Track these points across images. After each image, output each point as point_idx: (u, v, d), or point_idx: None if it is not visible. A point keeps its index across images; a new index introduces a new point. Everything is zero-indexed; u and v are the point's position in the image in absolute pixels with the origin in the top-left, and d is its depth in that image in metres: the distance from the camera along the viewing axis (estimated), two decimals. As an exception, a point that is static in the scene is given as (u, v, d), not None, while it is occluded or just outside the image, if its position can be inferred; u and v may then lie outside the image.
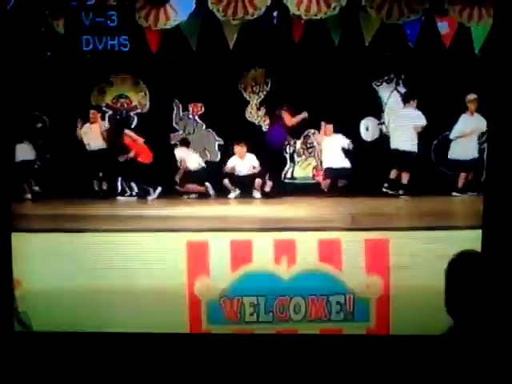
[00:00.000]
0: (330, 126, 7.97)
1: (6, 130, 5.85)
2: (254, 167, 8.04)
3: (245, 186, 7.82)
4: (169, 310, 5.39)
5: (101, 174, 7.99)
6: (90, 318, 5.42)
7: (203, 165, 8.05)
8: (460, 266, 2.39)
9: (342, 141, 8.00)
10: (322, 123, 8.06)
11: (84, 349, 5.22)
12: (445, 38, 7.30)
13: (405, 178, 7.89)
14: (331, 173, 8.24)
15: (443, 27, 7.27)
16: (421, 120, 7.85)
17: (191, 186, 7.94)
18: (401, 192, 7.80)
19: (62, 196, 7.52)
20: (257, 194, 7.98)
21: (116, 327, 5.39)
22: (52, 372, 5.10)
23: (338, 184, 8.05)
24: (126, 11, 6.86)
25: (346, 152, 7.96)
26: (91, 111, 8.06)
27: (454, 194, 7.62)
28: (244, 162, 8.08)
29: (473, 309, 2.33)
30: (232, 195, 7.97)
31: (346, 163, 7.96)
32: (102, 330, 5.38)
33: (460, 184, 7.70)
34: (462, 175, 7.73)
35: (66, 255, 5.53)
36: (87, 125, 7.99)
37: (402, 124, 7.93)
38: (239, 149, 8.04)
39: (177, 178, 8.06)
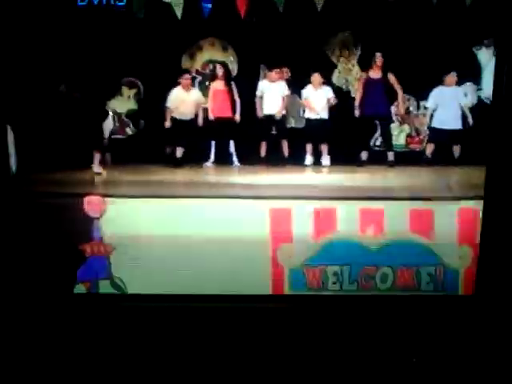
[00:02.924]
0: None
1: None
2: (328, 100, 7.77)
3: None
4: (251, 276, 5.38)
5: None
6: (178, 281, 5.48)
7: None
8: None
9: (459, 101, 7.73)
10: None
11: (170, 311, 5.31)
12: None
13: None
14: (429, 139, 8.00)
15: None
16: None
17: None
18: None
19: (150, 162, 7.68)
20: (326, 161, 7.80)
21: (202, 291, 5.43)
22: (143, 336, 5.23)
23: (435, 152, 7.80)
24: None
25: (448, 118, 7.71)
26: (185, 76, 8.10)
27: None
28: (318, 93, 7.79)
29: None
30: (309, 161, 7.86)
31: (447, 129, 7.73)
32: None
33: None
34: None
35: (156, 220, 5.61)
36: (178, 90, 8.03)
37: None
38: (316, 77, 7.75)
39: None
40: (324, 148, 7.82)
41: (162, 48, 8.49)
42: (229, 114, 7.95)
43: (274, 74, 7.88)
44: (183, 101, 7.83)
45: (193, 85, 8.05)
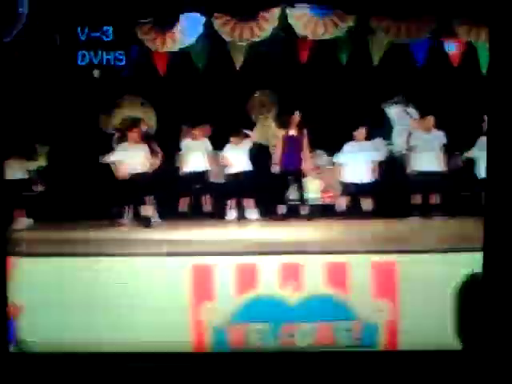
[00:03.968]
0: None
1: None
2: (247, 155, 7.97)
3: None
4: (174, 335, 5.28)
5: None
6: (92, 341, 5.31)
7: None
8: (468, 290, 2.31)
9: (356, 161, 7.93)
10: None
11: (85, 371, 5.13)
12: (452, 58, 7.26)
13: (434, 198, 7.76)
14: (341, 193, 8.22)
15: (451, 48, 7.24)
16: (443, 139, 7.76)
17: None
18: (435, 213, 7.68)
19: (64, 220, 7.50)
20: (252, 215, 7.92)
21: (119, 350, 5.28)
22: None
23: (347, 206, 8.00)
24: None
25: (358, 172, 7.94)
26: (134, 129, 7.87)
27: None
28: (238, 149, 7.99)
29: (481, 332, 2.24)
30: (232, 216, 7.92)
31: (357, 183, 7.93)
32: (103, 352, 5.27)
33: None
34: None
35: (68, 280, 5.44)
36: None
37: (422, 145, 7.83)
38: (235, 139, 7.95)
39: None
40: (249, 202, 8.11)
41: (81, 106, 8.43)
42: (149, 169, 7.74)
43: (196, 131, 8.10)
44: (130, 155, 7.67)
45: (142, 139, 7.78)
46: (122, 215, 7.83)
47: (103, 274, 5.36)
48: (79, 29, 6.55)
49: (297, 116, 7.85)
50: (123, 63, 6.78)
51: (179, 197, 8.07)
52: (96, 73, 7.24)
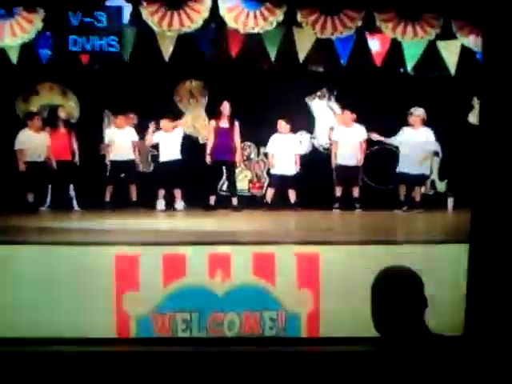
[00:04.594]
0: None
1: None
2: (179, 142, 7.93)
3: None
4: (97, 324, 5.17)
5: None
6: (14, 331, 5.13)
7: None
8: (385, 282, 2.35)
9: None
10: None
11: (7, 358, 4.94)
12: (376, 55, 7.42)
13: (355, 191, 7.95)
14: (268, 185, 8.29)
15: (375, 44, 7.38)
16: (363, 133, 7.93)
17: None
18: (357, 206, 7.86)
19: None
20: (180, 206, 7.88)
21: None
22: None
23: (273, 197, 8.07)
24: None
25: (284, 164, 8.00)
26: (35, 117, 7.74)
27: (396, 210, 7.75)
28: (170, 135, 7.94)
29: (399, 325, 2.29)
30: (161, 206, 7.83)
31: (283, 175, 8.00)
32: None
33: (401, 198, 7.87)
34: (402, 188, 7.87)
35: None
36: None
37: (344, 139, 7.97)
38: (166, 123, 7.89)
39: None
40: (177, 193, 8.09)
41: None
42: (68, 157, 7.81)
43: (120, 120, 7.96)
44: (34, 143, 7.59)
45: (42, 127, 7.78)
46: (43, 203, 7.65)
47: (22, 263, 5.18)
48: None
49: (228, 107, 7.84)
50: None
51: (105, 186, 7.89)
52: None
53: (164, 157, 7.88)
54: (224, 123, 7.86)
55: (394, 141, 7.89)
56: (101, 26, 6.95)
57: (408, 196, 7.86)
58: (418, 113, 7.74)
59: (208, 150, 7.87)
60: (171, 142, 7.86)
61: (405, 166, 7.75)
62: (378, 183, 8.23)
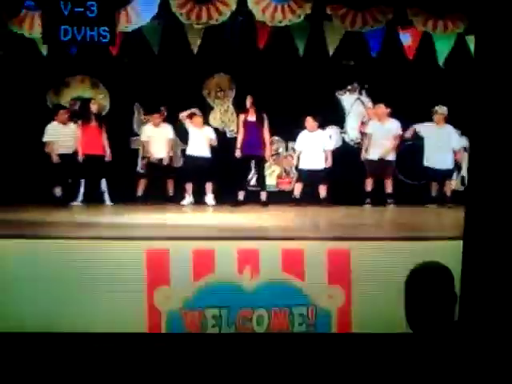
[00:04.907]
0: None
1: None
2: (211, 139, 7.90)
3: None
4: (128, 320, 5.18)
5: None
6: (45, 326, 5.16)
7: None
8: (419, 278, 2.32)
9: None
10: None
11: (39, 352, 4.98)
12: (408, 48, 7.31)
13: (388, 186, 7.84)
14: (297, 180, 8.17)
15: (406, 38, 7.28)
16: (398, 128, 7.84)
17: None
18: (389, 201, 7.76)
19: (20, 202, 7.29)
20: (210, 200, 7.85)
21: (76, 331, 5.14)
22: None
23: (302, 192, 8.00)
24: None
25: (314, 160, 7.90)
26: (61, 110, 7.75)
27: (428, 205, 7.65)
28: (200, 132, 7.89)
29: (432, 321, 2.26)
30: (188, 201, 7.82)
31: (312, 170, 7.90)
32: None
33: (433, 194, 7.77)
34: (434, 185, 7.79)
35: (19, 262, 5.26)
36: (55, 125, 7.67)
37: (377, 133, 7.85)
38: (197, 119, 7.86)
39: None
40: (208, 187, 7.99)
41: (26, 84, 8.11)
42: (100, 151, 7.76)
43: (156, 117, 7.86)
44: (61, 135, 7.63)
45: (70, 119, 7.80)
46: (75, 197, 7.68)
47: (54, 257, 5.21)
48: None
49: (251, 101, 7.78)
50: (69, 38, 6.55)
51: (137, 181, 7.89)
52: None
53: (193, 152, 7.85)
54: (252, 117, 7.80)
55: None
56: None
57: (439, 191, 7.76)
58: (442, 111, 7.67)
59: (238, 144, 7.82)
60: (200, 138, 7.84)
61: (431, 161, 7.70)
62: (409, 178, 8.11)
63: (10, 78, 7.59)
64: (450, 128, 7.72)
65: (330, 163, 7.88)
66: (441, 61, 7.15)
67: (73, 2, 6.08)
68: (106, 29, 6.23)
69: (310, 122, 7.86)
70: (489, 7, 3.54)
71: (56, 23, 6.10)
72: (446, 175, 7.79)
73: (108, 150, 7.78)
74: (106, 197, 7.72)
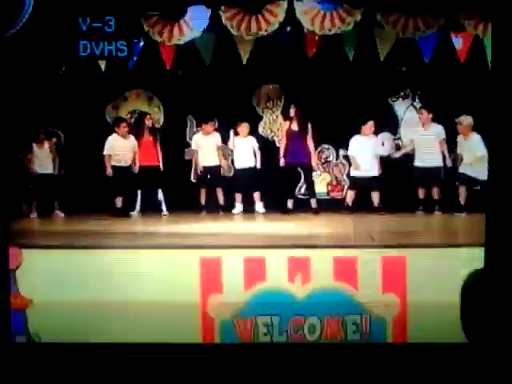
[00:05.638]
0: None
1: (9, 145, 5.72)
2: (253, 148, 7.96)
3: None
4: (182, 328, 5.23)
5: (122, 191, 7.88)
6: (102, 335, 5.26)
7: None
8: (476, 285, 2.25)
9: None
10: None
11: (94, 362, 5.07)
12: (460, 52, 7.17)
13: (435, 194, 7.70)
14: (349, 188, 8.11)
15: (458, 42, 7.14)
16: (442, 134, 7.71)
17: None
18: (436, 208, 7.63)
19: (74, 213, 7.51)
20: (260, 208, 7.89)
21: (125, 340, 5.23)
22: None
23: (355, 200, 7.93)
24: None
25: (366, 166, 7.86)
26: (122, 123, 7.97)
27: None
28: (245, 142, 7.97)
29: (489, 330, 2.19)
30: (239, 209, 7.88)
31: (365, 177, 7.86)
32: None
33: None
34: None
35: (78, 273, 5.39)
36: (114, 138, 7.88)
37: (425, 139, 7.77)
38: (242, 128, 7.94)
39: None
40: (256, 196, 8.06)
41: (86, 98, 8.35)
42: (155, 162, 7.97)
43: (208, 126, 8.02)
44: (122, 148, 7.85)
45: (129, 132, 8.00)
46: (133, 208, 7.84)
47: (112, 267, 5.31)
48: (81, 19, 6.46)
49: (295, 110, 7.82)
50: (125, 54, 6.70)
51: (197, 190, 8.01)
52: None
53: (239, 162, 7.93)
54: (295, 126, 7.83)
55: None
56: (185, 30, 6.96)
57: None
58: (468, 121, 7.51)
59: (281, 153, 7.86)
60: (246, 148, 7.93)
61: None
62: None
63: (72, 93, 7.82)
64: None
65: (384, 170, 7.80)
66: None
67: (91, 17, 6.26)
68: (124, 43, 6.39)
69: (367, 126, 7.83)
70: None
71: (75, 39, 6.29)
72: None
73: (161, 161, 7.93)
74: (163, 206, 7.85)
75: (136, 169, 7.89)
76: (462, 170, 7.58)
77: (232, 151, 8.07)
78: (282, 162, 7.85)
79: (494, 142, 3.61)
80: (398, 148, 8.19)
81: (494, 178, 3.68)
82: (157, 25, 6.97)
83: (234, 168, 8.07)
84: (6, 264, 5.02)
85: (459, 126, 7.59)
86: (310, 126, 7.83)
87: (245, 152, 7.95)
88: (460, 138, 7.61)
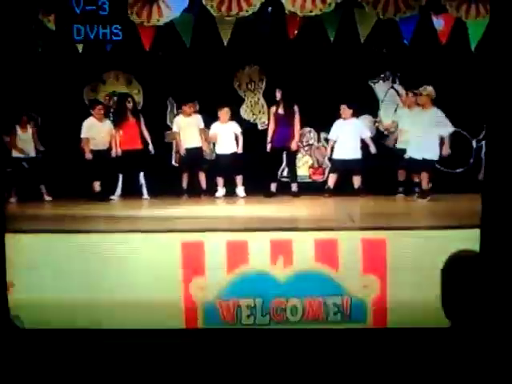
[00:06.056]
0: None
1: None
2: (235, 134, 7.90)
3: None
4: (165, 311, 5.24)
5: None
6: (84, 319, 5.26)
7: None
8: (456, 266, 2.28)
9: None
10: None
11: (79, 346, 5.06)
12: (441, 34, 7.18)
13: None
14: (330, 171, 8.12)
15: (439, 24, 7.15)
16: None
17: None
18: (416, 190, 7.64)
19: (56, 197, 7.46)
20: (241, 192, 7.90)
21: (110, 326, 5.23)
22: (47, 371, 4.95)
23: (336, 183, 7.95)
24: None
25: (348, 150, 7.83)
26: (98, 106, 7.87)
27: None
28: (226, 127, 7.91)
29: (469, 310, 2.22)
30: (221, 193, 7.86)
31: (346, 160, 7.83)
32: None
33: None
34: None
35: (60, 256, 5.36)
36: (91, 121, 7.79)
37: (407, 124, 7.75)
38: (222, 113, 7.87)
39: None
40: (239, 179, 8.03)
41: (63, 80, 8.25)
42: (137, 145, 7.84)
43: (187, 108, 7.92)
44: (98, 131, 7.75)
45: (106, 115, 7.93)
46: (113, 191, 7.78)
47: (93, 251, 5.30)
48: (74, 2, 6.35)
49: (280, 93, 7.78)
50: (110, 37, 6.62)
51: (179, 173, 7.97)
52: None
53: (221, 149, 7.91)
54: (282, 110, 7.81)
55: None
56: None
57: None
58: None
59: (269, 138, 7.84)
60: (227, 134, 7.88)
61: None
62: (447, 167, 7.98)
63: (49, 75, 7.72)
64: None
65: (373, 149, 7.80)
66: (473, 46, 7.01)
67: (85, 0, 6.16)
68: (119, 26, 6.30)
69: (345, 109, 7.81)
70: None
71: (69, 22, 6.19)
72: None
73: (147, 144, 7.87)
74: (144, 191, 7.81)
75: (114, 152, 7.81)
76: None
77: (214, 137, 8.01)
78: (268, 146, 7.83)
79: (491, 128, 3.65)
80: (382, 133, 8.21)
81: (490, 162, 3.73)
82: (135, 5, 6.91)
83: (216, 154, 8.03)
84: (2, 252, 5.01)
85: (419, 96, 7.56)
86: (297, 109, 7.81)
87: (226, 138, 7.91)
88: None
